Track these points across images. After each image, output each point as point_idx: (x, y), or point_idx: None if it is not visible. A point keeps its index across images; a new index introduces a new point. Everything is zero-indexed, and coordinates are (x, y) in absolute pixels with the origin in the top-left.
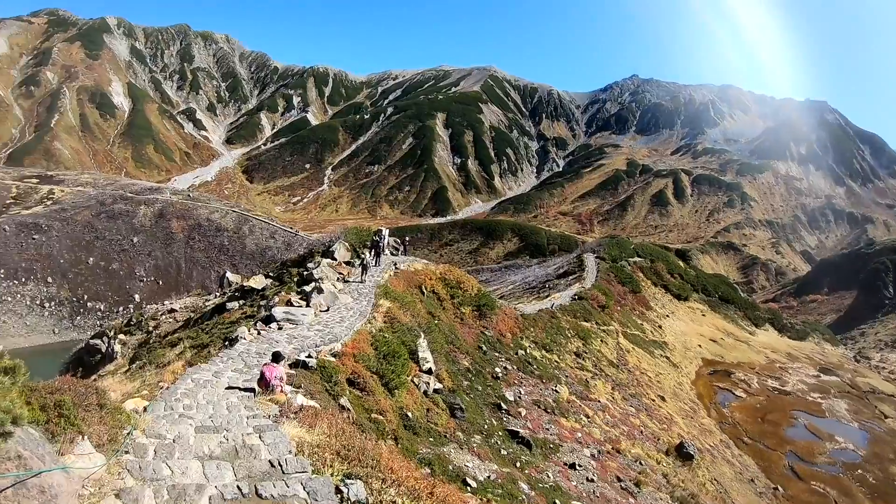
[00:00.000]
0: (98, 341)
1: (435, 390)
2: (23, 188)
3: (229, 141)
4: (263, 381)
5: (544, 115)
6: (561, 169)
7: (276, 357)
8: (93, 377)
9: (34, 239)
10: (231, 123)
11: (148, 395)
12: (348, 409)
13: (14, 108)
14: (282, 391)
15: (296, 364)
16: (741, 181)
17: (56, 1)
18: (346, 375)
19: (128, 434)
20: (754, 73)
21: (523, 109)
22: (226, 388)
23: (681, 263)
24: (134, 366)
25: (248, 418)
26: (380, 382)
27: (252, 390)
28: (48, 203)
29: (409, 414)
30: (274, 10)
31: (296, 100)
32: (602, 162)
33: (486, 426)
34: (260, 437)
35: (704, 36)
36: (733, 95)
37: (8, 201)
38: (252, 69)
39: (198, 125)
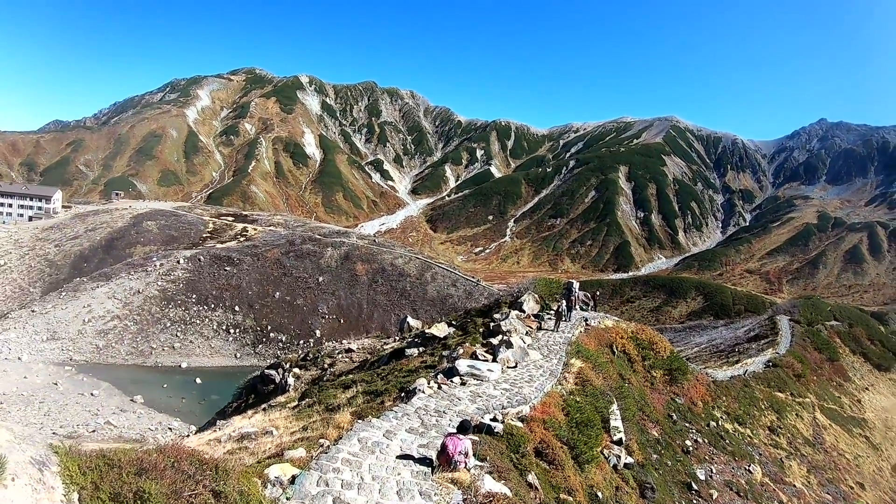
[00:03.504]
0: (273, 372)
1: (626, 465)
2: (219, 224)
3: (415, 191)
4: (445, 456)
5: (729, 167)
6: (748, 223)
7: (463, 427)
8: (263, 406)
9: (226, 270)
10: (416, 174)
11: (303, 455)
12: (536, 488)
13: (215, 154)
14: (465, 467)
15: (479, 428)
16: None
17: (253, 60)
18: (533, 445)
19: None
20: None
21: (707, 160)
22: (397, 457)
23: (881, 329)
24: (303, 402)
25: None
26: (570, 454)
27: (428, 462)
28: (241, 239)
29: (599, 494)
30: (456, 67)
31: (479, 153)
32: (791, 215)
33: None
34: None
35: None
36: None
37: (205, 235)
38: (436, 123)
39: (385, 175)
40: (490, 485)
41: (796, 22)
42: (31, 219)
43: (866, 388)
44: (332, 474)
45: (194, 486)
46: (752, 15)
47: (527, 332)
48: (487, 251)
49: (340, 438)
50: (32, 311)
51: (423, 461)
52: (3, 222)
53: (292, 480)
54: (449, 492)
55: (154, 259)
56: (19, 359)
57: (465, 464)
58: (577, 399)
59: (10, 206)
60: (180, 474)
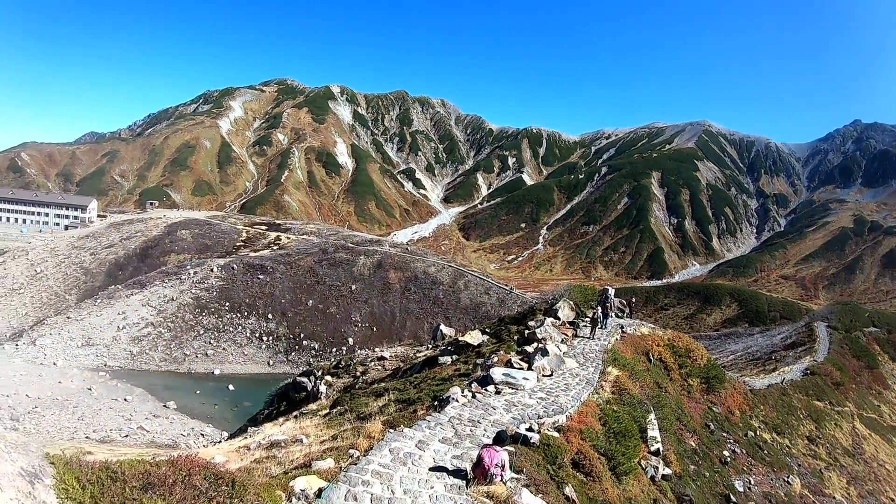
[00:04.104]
0: (305, 379)
1: (664, 476)
2: (252, 233)
3: (447, 199)
4: (481, 468)
5: (763, 171)
6: (782, 228)
7: (500, 438)
8: (294, 413)
9: (259, 278)
10: (448, 183)
11: (332, 467)
12: (574, 502)
13: (248, 165)
14: (502, 480)
15: (515, 438)
16: None
17: (284, 71)
18: (570, 456)
19: None
20: None
21: (740, 165)
22: (430, 469)
23: None
24: (335, 411)
25: None
26: (607, 465)
27: (463, 474)
28: (274, 248)
29: None
30: (487, 75)
31: (511, 160)
32: (826, 219)
33: None
34: None
35: None
36: None
37: (238, 244)
38: (468, 131)
39: (417, 184)
40: (528, 499)
41: (828, 22)
42: (67, 228)
43: None
44: (362, 487)
45: (206, 503)
46: (785, 17)
47: (562, 340)
48: (520, 259)
49: (371, 449)
50: (68, 318)
51: (458, 473)
52: (40, 231)
53: (319, 494)
54: None
55: (188, 267)
56: (54, 364)
57: (502, 476)
58: (615, 408)
59: (47, 215)
60: (191, 490)
